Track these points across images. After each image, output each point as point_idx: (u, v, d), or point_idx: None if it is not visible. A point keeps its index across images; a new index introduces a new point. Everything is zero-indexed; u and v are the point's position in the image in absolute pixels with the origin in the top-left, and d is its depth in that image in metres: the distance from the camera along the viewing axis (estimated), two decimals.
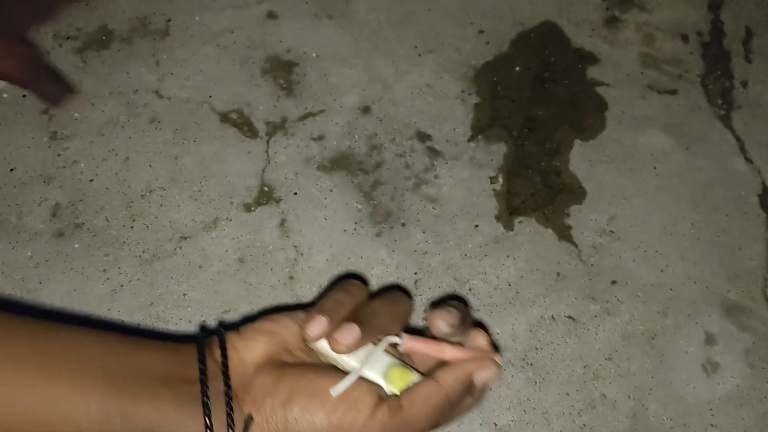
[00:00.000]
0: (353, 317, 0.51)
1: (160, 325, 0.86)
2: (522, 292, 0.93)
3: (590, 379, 0.88)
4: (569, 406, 0.86)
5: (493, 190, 1.00)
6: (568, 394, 0.87)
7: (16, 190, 0.93)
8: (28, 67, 0.93)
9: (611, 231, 0.98)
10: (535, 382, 0.87)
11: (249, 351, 0.50)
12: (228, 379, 0.47)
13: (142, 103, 1.01)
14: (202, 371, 0.47)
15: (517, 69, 1.11)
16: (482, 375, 0.51)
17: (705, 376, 0.90)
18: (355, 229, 0.94)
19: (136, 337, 0.49)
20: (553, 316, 0.92)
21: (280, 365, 0.50)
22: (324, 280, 0.90)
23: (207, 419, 0.44)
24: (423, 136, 1.02)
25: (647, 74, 1.13)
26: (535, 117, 1.06)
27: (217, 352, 0.50)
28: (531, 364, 0.88)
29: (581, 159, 1.04)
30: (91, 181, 0.95)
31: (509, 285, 0.93)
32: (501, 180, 1.00)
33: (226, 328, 0.54)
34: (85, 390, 0.42)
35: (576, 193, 1.01)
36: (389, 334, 0.53)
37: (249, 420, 0.46)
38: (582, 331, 0.91)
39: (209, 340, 0.52)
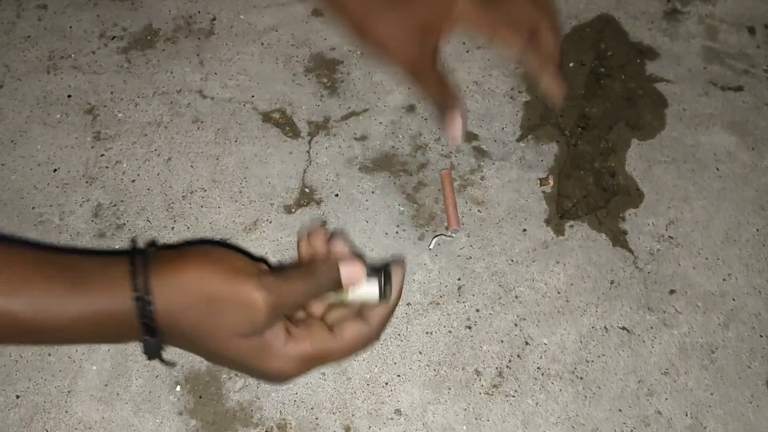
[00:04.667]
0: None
1: None
2: (572, 301, 0.88)
3: (644, 394, 0.83)
4: (621, 423, 0.81)
5: (543, 192, 0.95)
6: (620, 411, 0.82)
7: (59, 191, 0.93)
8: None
9: (670, 236, 0.93)
10: (585, 396, 0.83)
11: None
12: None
13: (185, 103, 1.00)
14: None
15: (571, 64, 1.06)
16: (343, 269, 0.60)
17: None
18: (396, 233, 0.91)
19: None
20: (605, 327, 0.87)
21: None
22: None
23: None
24: (469, 136, 0.98)
25: (710, 69, 1.06)
26: (589, 115, 1.01)
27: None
28: (581, 378, 0.84)
29: (638, 159, 0.98)
30: (133, 181, 0.94)
31: (558, 293, 0.89)
32: (551, 182, 0.95)
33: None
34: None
35: (632, 195, 0.96)
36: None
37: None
38: (637, 343, 0.86)
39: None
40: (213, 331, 0.55)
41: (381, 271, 0.62)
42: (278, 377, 0.60)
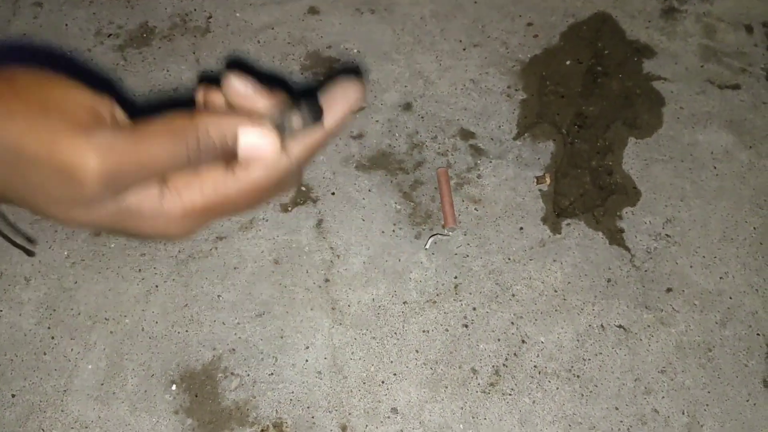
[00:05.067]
0: None
1: (194, 327, 0.85)
2: (569, 299, 0.88)
3: (641, 392, 0.83)
4: (618, 422, 0.81)
5: (540, 190, 0.95)
6: (617, 409, 0.82)
7: None
8: None
9: (667, 235, 0.93)
10: (582, 395, 0.82)
11: None
12: None
13: (182, 101, 1.00)
14: None
15: (568, 63, 1.05)
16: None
17: (766, 392, 0.83)
18: (393, 231, 0.91)
19: None
20: (602, 325, 0.87)
21: None
22: (360, 284, 0.88)
23: None
24: (466, 134, 0.98)
25: (708, 68, 1.06)
26: (586, 113, 1.01)
27: None
28: (578, 376, 0.83)
29: (635, 158, 0.98)
30: None
31: (555, 291, 0.88)
32: (548, 180, 0.95)
33: None
34: None
35: (629, 194, 0.95)
36: None
37: None
38: (634, 341, 0.86)
39: None
40: (36, 196, 0.36)
41: (301, 104, 0.37)
42: (163, 239, 0.42)
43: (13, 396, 0.80)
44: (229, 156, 0.38)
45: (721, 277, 0.90)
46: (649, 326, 0.87)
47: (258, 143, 0.38)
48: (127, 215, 0.36)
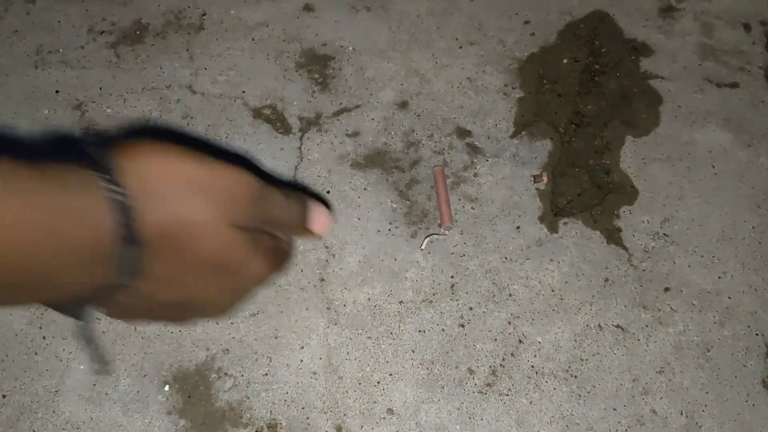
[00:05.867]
0: None
1: (187, 327, 0.84)
2: (566, 299, 0.87)
3: (639, 393, 0.82)
4: (616, 423, 0.80)
5: (537, 189, 0.94)
6: (614, 409, 0.81)
7: None
8: None
9: (665, 234, 0.92)
10: (580, 395, 0.82)
11: None
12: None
13: (175, 99, 0.99)
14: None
15: (565, 61, 1.05)
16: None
17: (765, 393, 0.83)
18: (389, 230, 0.90)
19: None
20: (600, 325, 0.86)
21: None
22: (356, 283, 0.87)
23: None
24: (463, 133, 0.97)
25: (706, 66, 1.05)
26: (584, 112, 1.00)
27: None
28: (575, 377, 0.83)
29: (633, 157, 0.97)
30: None
31: (552, 291, 0.88)
32: (545, 179, 0.94)
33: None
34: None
35: (627, 193, 0.95)
36: None
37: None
38: (631, 341, 0.85)
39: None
40: (201, 220, 0.39)
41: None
42: (260, 279, 0.45)
43: (4, 397, 0.79)
44: (301, 225, 0.47)
45: (719, 277, 0.89)
46: (647, 326, 0.86)
47: (327, 220, 0.48)
48: (252, 242, 0.42)
